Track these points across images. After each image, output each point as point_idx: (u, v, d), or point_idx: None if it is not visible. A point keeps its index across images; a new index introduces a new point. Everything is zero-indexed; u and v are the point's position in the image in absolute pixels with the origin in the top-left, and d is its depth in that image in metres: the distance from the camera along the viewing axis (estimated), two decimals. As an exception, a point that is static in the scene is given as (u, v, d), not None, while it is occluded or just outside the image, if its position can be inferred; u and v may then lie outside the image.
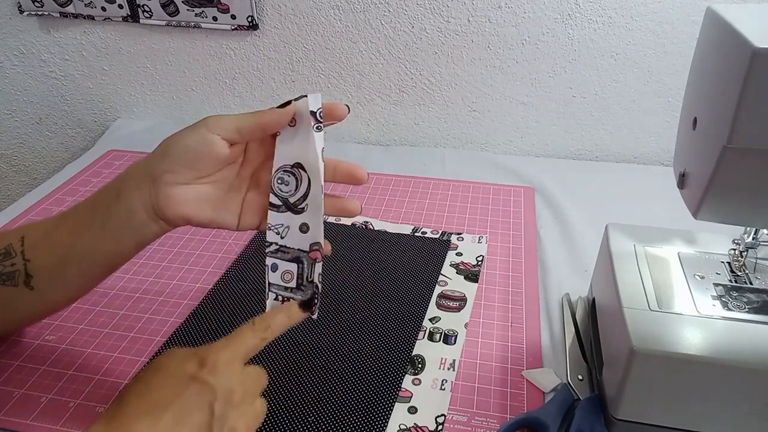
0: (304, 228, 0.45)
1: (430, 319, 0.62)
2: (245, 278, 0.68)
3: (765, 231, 0.50)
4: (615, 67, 0.89)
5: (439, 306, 0.64)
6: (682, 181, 0.47)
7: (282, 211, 0.45)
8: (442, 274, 0.69)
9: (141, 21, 0.98)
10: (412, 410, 0.52)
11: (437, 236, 0.75)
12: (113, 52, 1.04)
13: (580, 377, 0.54)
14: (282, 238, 0.45)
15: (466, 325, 0.61)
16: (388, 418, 0.51)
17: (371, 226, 0.78)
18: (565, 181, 0.88)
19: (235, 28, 0.96)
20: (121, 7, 0.97)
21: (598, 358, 0.54)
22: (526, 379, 0.55)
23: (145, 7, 0.96)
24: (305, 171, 0.45)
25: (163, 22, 0.98)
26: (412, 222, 0.79)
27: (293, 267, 0.45)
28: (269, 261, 0.46)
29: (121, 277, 0.68)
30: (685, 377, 0.44)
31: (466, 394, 0.54)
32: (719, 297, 0.48)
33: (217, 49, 1.00)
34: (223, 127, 0.43)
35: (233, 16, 0.95)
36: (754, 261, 0.52)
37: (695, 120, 0.45)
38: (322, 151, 0.45)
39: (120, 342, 0.59)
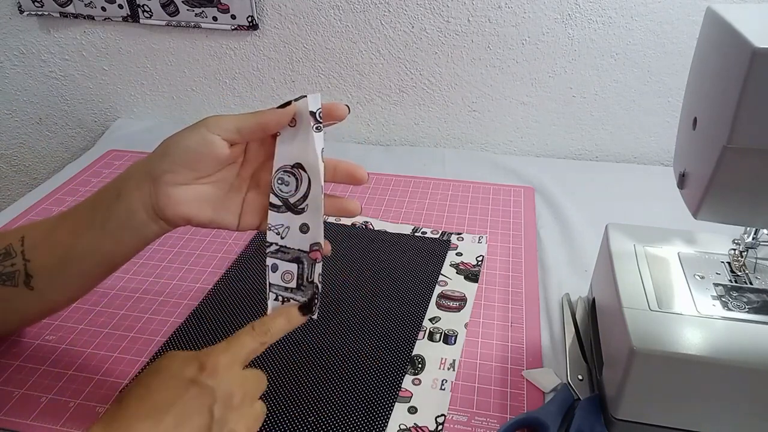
0: (304, 228, 0.45)
1: (430, 319, 0.62)
2: (245, 278, 0.68)
3: (765, 231, 0.50)
4: (615, 67, 0.89)
5: (439, 306, 0.64)
6: (682, 181, 0.47)
7: (282, 212, 0.45)
8: (442, 274, 0.69)
9: (141, 21, 0.98)
10: (412, 410, 0.52)
11: (437, 236, 0.75)
12: (113, 52, 1.04)
13: (580, 377, 0.54)
14: (282, 238, 0.45)
15: (466, 325, 0.61)
16: (388, 418, 0.51)
17: (371, 226, 0.78)
18: (565, 181, 0.88)
19: (235, 28, 0.96)
20: (121, 7, 0.97)
21: (598, 358, 0.54)
22: (526, 379, 0.55)
23: (145, 7, 0.96)
24: (305, 171, 0.45)
25: (163, 22, 0.98)
26: (412, 222, 0.79)
27: (293, 267, 0.45)
28: (269, 261, 0.46)
29: (121, 277, 0.68)
30: (685, 377, 0.44)
31: (466, 394, 0.54)
32: (719, 297, 0.48)
33: (217, 49, 1.00)
34: (224, 127, 0.43)
35: (233, 16, 0.95)
36: (754, 261, 0.52)
37: (695, 120, 0.45)
38: (322, 151, 0.45)
39: (120, 342, 0.59)
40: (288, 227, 0.45)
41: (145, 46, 1.02)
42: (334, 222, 0.77)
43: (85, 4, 0.98)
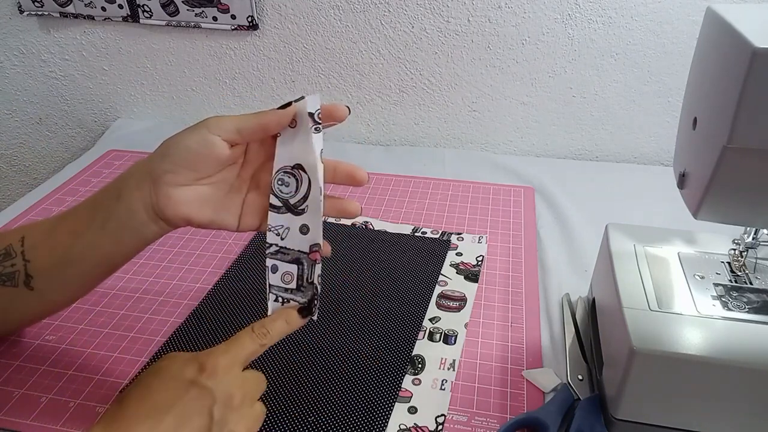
0: (304, 229, 0.45)
1: (430, 319, 0.62)
2: (245, 278, 0.68)
3: (765, 231, 0.50)
4: (615, 67, 0.89)
5: (439, 306, 0.64)
6: (682, 181, 0.47)
7: (282, 213, 0.45)
8: (442, 274, 0.69)
9: (141, 21, 0.98)
10: (412, 410, 0.52)
11: (437, 236, 0.75)
12: (113, 52, 1.04)
13: (580, 377, 0.54)
14: (282, 239, 0.45)
15: (466, 325, 0.61)
16: (388, 418, 0.51)
17: (371, 226, 0.78)
18: (565, 181, 0.88)
19: (235, 28, 0.96)
20: (121, 7, 0.97)
21: (598, 358, 0.54)
22: (526, 379, 0.55)
23: (145, 7, 0.96)
24: (306, 172, 0.45)
25: (163, 22, 0.98)
26: (412, 222, 0.79)
27: (293, 268, 0.45)
28: (269, 262, 0.46)
29: (121, 277, 0.68)
30: (685, 377, 0.44)
31: (466, 394, 0.54)
32: (719, 297, 0.48)
33: (217, 49, 1.00)
34: (224, 128, 0.43)
35: (233, 16, 0.95)
36: (754, 261, 0.52)
37: (695, 120, 0.45)
38: (321, 152, 0.45)
39: (120, 342, 0.59)
40: (288, 228, 0.45)
41: (145, 46, 1.02)
42: (334, 222, 0.77)
43: (85, 4, 0.98)
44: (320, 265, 0.45)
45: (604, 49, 0.88)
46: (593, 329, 0.57)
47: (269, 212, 0.46)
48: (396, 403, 0.52)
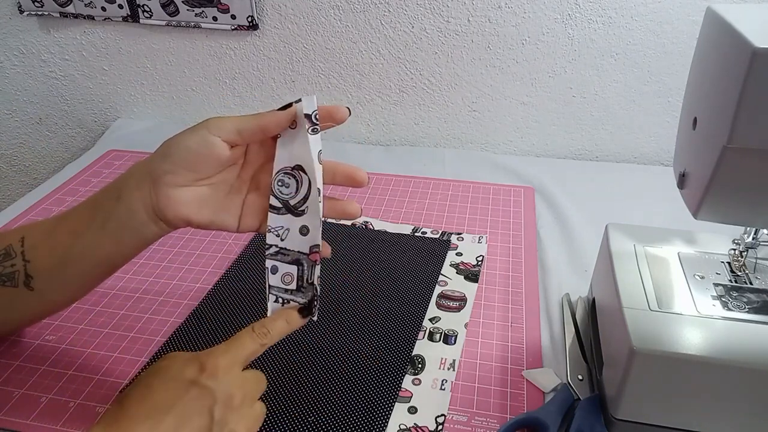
0: (304, 230, 0.45)
1: (430, 319, 0.62)
2: (245, 278, 0.68)
3: (765, 231, 0.50)
4: (615, 67, 0.89)
5: (439, 306, 0.64)
6: (682, 181, 0.47)
7: (282, 214, 0.45)
8: (442, 274, 0.69)
9: (141, 21, 0.98)
10: (412, 410, 0.52)
11: (437, 236, 0.75)
12: (113, 52, 1.04)
13: (580, 377, 0.54)
14: (282, 240, 0.45)
15: (466, 325, 0.61)
16: (388, 418, 0.51)
17: (371, 226, 0.78)
18: (565, 181, 0.88)
19: (235, 28, 0.96)
20: (121, 7, 0.97)
21: (598, 358, 0.54)
22: (526, 379, 0.55)
23: (145, 7, 0.96)
24: (306, 173, 0.45)
25: (163, 22, 0.98)
26: (412, 222, 0.79)
27: (293, 269, 0.45)
28: (269, 263, 0.46)
29: (121, 277, 0.68)
30: (685, 377, 0.44)
31: (466, 394, 0.54)
32: (719, 297, 0.48)
33: (217, 49, 1.00)
34: (224, 128, 0.43)
35: (233, 16, 0.95)
36: (754, 261, 0.52)
37: (695, 120, 0.45)
38: (319, 153, 0.45)
39: (120, 342, 0.59)
40: (288, 229, 0.45)
41: (145, 46, 1.02)
42: (334, 222, 0.77)
43: (85, 4, 0.98)
44: (320, 266, 0.45)
45: (604, 49, 0.88)
46: (593, 329, 0.57)
47: (269, 213, 0.46)
48: (396, 403, 0.52)
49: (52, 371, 0.56)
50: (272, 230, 0.46)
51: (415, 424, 0.51)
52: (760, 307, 0.47)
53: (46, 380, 0.55)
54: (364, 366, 0.56)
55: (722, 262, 0.53)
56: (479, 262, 0.71)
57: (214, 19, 0.95)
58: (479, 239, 0.75)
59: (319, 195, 0.44)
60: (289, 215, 0.45)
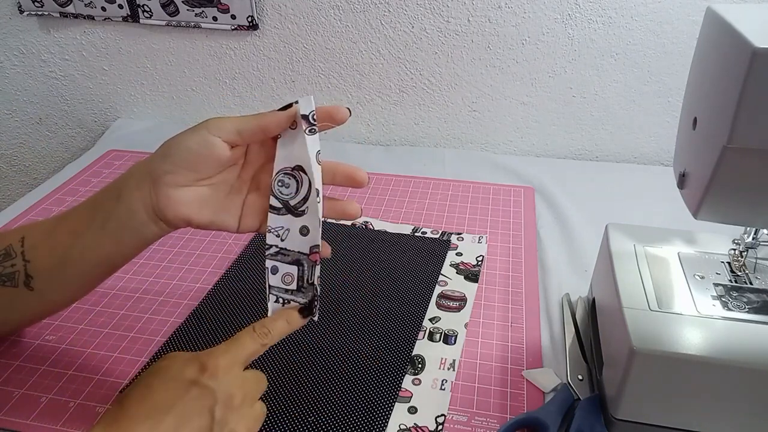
0: (304, 231, 0.45)
1: (430, 319, 0.62)
2: (245, 278, 0.68)
3: (765, 231, 0.50)
4: (615, 67, 0.89)
5: (439, 306, 0.64)
6: (682, 181, 0.47)
7: (282, 214, 0.45)
8: (442, 274, 0.69)
9: (141, 21, 0.98)
10: (412, 410, 0.52)
11: (437, 236, 0.75)
12: (113, 52, 1.04)
13: (580, 377, 0.54)
14: (282, 240, 0.45)
15: (466, 325, 0.61)
16: (388, 418, 0.51)
17: (371, 226, 0.78)
18: (565, 181, 0.88)
19: (235, 28, 0.96)
20: (121, 7, 0.97)
21: (598, 358, 0.54)
22: (526, 379, 0.55)
23: (145, 7, 0.96)
24: (306, 173, 0.45)
25: (163, 22, 0.98)
26: (412, 222, 0.79)
27: (294, 269, 0.45)
28: (269, 263, 0.46)
29: (121, 277, 0.68)
30: (685, 377, 0.44)
31: (466, 394, 0.54)
32: (719, 297, 0.48)
33: (217, 49, 1.00)
34: (224, 129, 0.43)
35: (233, 16, 0.95)
36: (754, 261, 0.52)
37: (695, 120, 0.45)
38: (318, 153, 0.45)
39: (120, 342, 0.59)
40: (288, 229, 0.45)
41: (145, 46, 1.02)
42: (334, 222, 0.76)
43: (85, 4, 0.98)
44: (320, 266, 0.45)
45: (604, 49, 0.88)
46: (593, 329, 0.57)
47: (269, 213, 0.46)
48: (396, 403, 0.52)
49: (52, 371, 0.56)
50: (272, 230, 0.46)
51: (415, 424, 0.51)
52: (760, 307, 0.47)
53: (46, 380, 0.55)
54: (364, 366, 0.56)
55: (722, 262, 0.53)
56: (479, 262, 0.71)
57: (214, 19, 0.95)
58: (479, 239, 0.75)
59: (318, 195, 0.44)
60: (289, 215, 0.45)
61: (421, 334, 0.60)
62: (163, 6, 0.96)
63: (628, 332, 0.45)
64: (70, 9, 0.99)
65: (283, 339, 0.44)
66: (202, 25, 0.96)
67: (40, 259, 0.47)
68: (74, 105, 1.12)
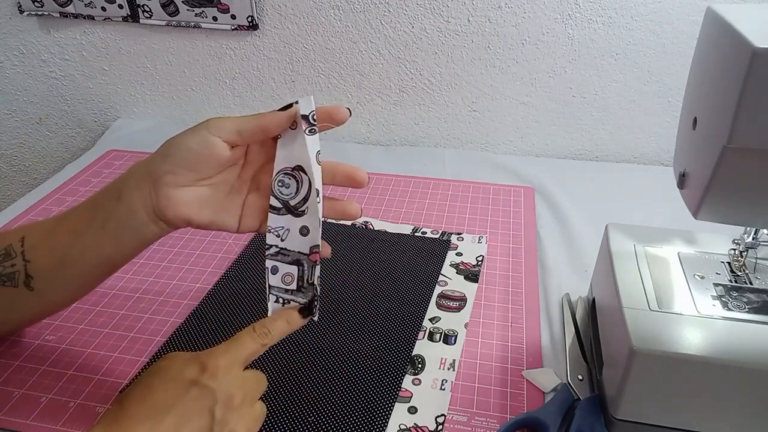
0: (304, 231, 0.45)
1: (430, 319, 0.62)
2: (245, 278, 0.68)
3: (765, 231, 0.50)
4: (615, 67, 0.89)
5: (439, 306, 0.64)
6: (682, 181, 0.47)
7: (282, 214, 0.45)
8: (442, 274, 0.69)
9: (141, 21, 0.98)
10: (412, 410, 0.52)
11: (437, 236, 0.75)
12: (113, 52, 1.04)
13: (580, 377, 0.54)
14: (282, 240, 0.45)
15: (466, 325, 0.61)
16: (388, 418, 0.51)
17: (371, 226, 0.78)
18: (565, 181, 0.88)
19: (235, 28, 0.96)
20: (121, 7, 0.97)
21: (598, 358, 0.54)
22: (526, 379, 0.55)
23: (145, 7, 0.96)
24: (306, 174, 0.45)
25: (163, 22, 0.98)
26: (412, 222, 0.79)
27: (294, 269, 0.45)
28: (269, 263, 0.46)
29: (121, 277, 0.68)
30: (685, 377, 0.44)
31: (466, 394, 0.54)
32: (719, 297, 0.48)
33: (217, 49, 1.00)
34: (225, 129, 0.43)
35: (233, 16, 0.95)
36: (754, 261, 0.52)
37: (695, 120, 0.45)
38: (318, 153, 0.45)
39: (120, 342, 0.59)
40: (288, 229, 0.45)
41: (145, 46, 1.02)
42: (334, 222, 0.76)
43: (85, 4, 0.98)
44: (320, 266, 0.45)
45: (604, 49, 0.88)
46: (593, 329, 0.57)
47: (269, 213, 0.46)
48: (396, 403, 0.52)
49: (52, 371, 0.56)
50: (272, 230, 0.46)
51: (415, 424, 0.51)
52: (760, 307, 0.47)
53: (46, 380, 0.55)
54: (364, 366, 0.56)
55: (722, 262, 0.53)
56: (479, 262, 0.71)
57: (214, 19, 0.95)
58: (479, 239, 0.75)
59: (318, 195, 0.44)
60: (289, 216, 0.45)
61: (421, 334, 0.60)
62: (163, 6, 0.96)
63: (628, 332, 0.45)
64: (70, 9, 0.99)
65: (283, 339, 0.44)
66: (202, 25, 0.96)
67: (40, 259, 0.47)
68: (74, 105, 1.12)
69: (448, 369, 0.56)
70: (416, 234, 0.76)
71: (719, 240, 0.55)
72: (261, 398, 0.43)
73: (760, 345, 0.44)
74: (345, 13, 0.92)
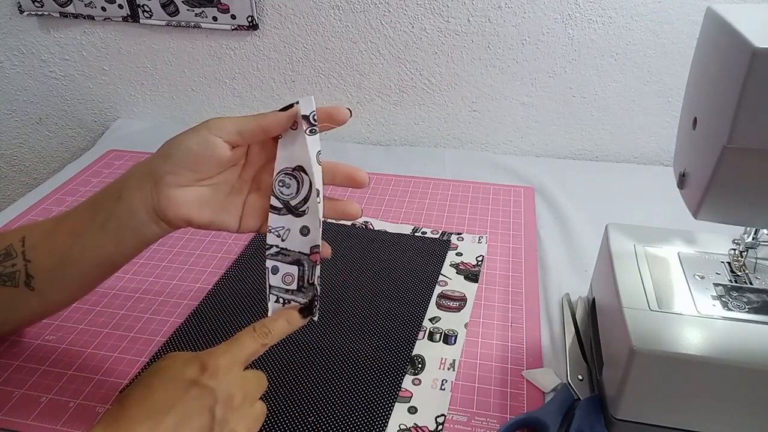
0: (304, 231, 0.45)
1: (430, 319, 0.62)
2: (245, 278, 0.68)
3: (765, 231, 0.50)
4: (615, 67, 0.89)
5: (439, 306, 0.64)
6: (682, 181, 0.47)
7: (283, 214, 0.45)
8: (442, 274, 0.69)
9: (141, 21, 0.98)
10: (412, 410, 0.52)
11: (437, 236, 0.75)
12: (113, 52, 1.04)
13: (580, 377, 0.54)
14: (283, 240, 0.46)
15: (466, 325, 0.61)
16: (388, 418, 0.51)
17: (371, 226, 0.78)
18: (565, 181, 0.88)
19: (235, 28, 0.96)
20: (121, 7, 0.97)
21: (598, 358, 0.54)
22: (526, 379, 0.55)
23: (145, 7, 0.96)
24: (306, 174, 0.45)
25: (163, 22, 0.98)
26: (412, 222, 0.79)
27: (294, 269, 0.45)
28: (269, 263, 0.46)
29: (121, 277, 0.68)
30: (685, 377, 0.44)
31: (466, 394, 0.54)
32: (719, 297, 0.48)
33: (217, 49, 1.00)
34: (225, 129, 0.43)
35: (233, 16, 0.95)
36: (754, 261, 0.52)
37: (695, 120, 0.45)
38: (318, 154, 0.45)
39: (120, 342, 0.59)
40: (288, 230, 0.45)
41: (145, 46, 1.02)
42: (334, 222, 0.76)
43: (85, 4, 0.98)
44: (320, 266, 0.45)
45: (604, 49, 0.88)
46: (593, 329, 0.57)
47: (270, 214, 0.46)
48: (396, 403, 0.52)
49: (52, 371, 0.56)
50: (273, 231, 0.46)
51: (415, 424, 0.51)
52: (760, 307, 0.47)
53: (46, 380, 0.55)
54: (364, 366, 0.56)
55: (722, 262, 0.53)
56: (479, 262, 0.71)
57: (214, 19, 0.95)
58: (479, 239, 0.75)
59: (319, 196, 0.44)
60: (289, 216, 0.45)
61: (421, 334, 0.60)
62: (163, 6, 0.96)
63: (628, 332, 0.45)
64: (70, 9, 0.99)
65: (283, 339, 0.44)
66: (202, 25, 0.96)
67: (40, 259, 0.47)
68: (74, 105, 1.12)
69: (448, 369, 0.56)
70: (416, 234, 0.76)
71: (719, 240, 0.55)
72: (261, 398, 0.43)
73: (760, 345, 0.44)
74: (345, 13, 0.92)
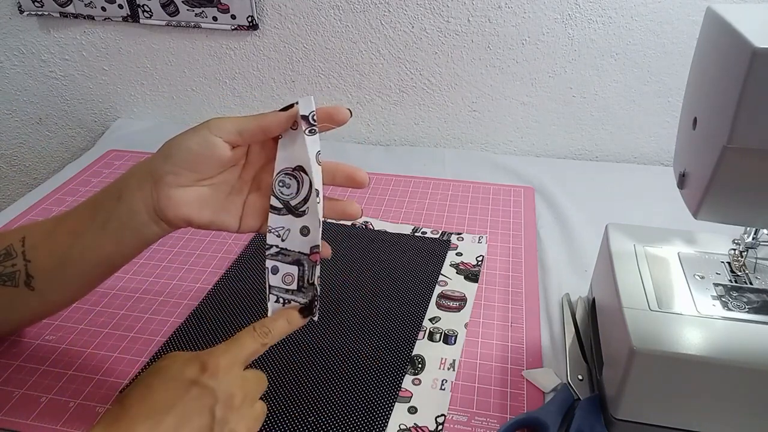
0: (304, 231, 0.45)
1: (430, 319, 0.62)
2: (245, 278, 0.68)
3: (765, 231, 0.50)
4: (615, 67, 0.89)
5: (439, 306, 0.64)
6: (682, 181, 0.47)
7: (283, 214, 0.45)
8: (442, 274, 0.69)
9: (141, 21, 0.98)
10: (412, 410, 0.52)
11: (437, 236, 0.75)
12: (113, 52, 1.04)
13: (580, 377, 0.54)
14: (283, 240, 0.46)
15: (466, 325, 0.61)
16: (388, 418, 0.51)
17: (371, 226, 0.78)
18: (565, 181, 0.88)
19: (235, 28, 0.96)
20: (121, 7, 0.97)
21: (598, 358, 0.54)
22: (526, 379, 0.55)
23: (145, 7, 0.96)
24: (306, 174, 0.45)
25: (163, 22, 0.98)
26: (412, 222, 0.79)
27: (294, 270, 0.45)
28: (269, 263, 0.46)
29: (121, 277, 0.68)
30: (685, 377, 0.44)
31: (466, 394, 0.54)
32: (719, 297, 0.48)
33: (217, 49, 1.00)
34: (225, 129, 0.43)
35: (233, 16, 0.95)
36: (754, 261, 0.52)
37: (695, 120, 0.45)
38: (318, 154, 0.45)
39: (120, 342, 0.59)
40: (288, 230, 0.45)
41: (145, 46, 1.02)
42: (334, 222, 0.76)
43: (85, 4, 0.98)
44: (320, 266, 0.45)
45: (604, 49, 0.88)
46: (593, 329, 0.57)
47: (270, 214, 0.46)
48: (396, 403, 0.52)
49: (52, 371, 0.56)
50: (273, 231, 0.46)
51: (415, 424, 0.51)
52: (760, 307, 0.47)
53: (46, 380, 0.55)
54: (364, 366, 0.56)
55: (722, 262, 0.53)
56: (479, 262, 0.71)
57: (214, 19, 0.95)
58: (479, 239, 0.75)
59: (318, 196, 0.44)
60: (289, 216, 0.45)
61: (421, 334, 0.60)
62: (163, 6, 0.96)
63: (628, 332, 0.45)
64: (70, 9, 0.99)
65: (283, 339, 0.44)
66: (202, 25, 0.96)
67: (40, 259, 0.47)
68: (74, 105, 1.12)
69: (448, 369, 0.56)
70: (416, 234, 0.76)
71: (719, 240, 0.55)
72: (261, 398, 0.43)
73: (760, 345, 0.44)
74: (345, 13, 0.92)
